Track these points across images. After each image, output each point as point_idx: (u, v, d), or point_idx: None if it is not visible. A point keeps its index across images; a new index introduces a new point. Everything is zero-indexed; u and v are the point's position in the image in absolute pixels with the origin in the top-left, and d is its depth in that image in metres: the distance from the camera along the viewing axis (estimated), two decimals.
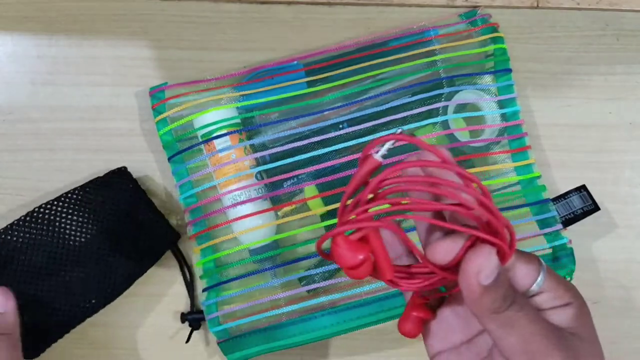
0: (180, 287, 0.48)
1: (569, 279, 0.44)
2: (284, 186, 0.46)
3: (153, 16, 0.50)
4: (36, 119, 0.49)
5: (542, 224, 0.46)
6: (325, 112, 0.47)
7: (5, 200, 0.49)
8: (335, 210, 0.45)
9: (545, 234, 0.45)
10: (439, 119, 0.46)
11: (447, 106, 0.46)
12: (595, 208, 0.45)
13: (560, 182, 0.49)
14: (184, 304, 0.49)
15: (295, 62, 0.48)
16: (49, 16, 0.50)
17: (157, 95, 0.47)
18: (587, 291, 0.48)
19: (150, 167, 0.49)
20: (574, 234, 0.46)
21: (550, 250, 0.45)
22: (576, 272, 0.44)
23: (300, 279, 0.46)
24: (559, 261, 0.45)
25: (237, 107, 0.47)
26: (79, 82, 0.50)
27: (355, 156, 0.45)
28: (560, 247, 0.45)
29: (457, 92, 0.46)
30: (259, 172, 0.46)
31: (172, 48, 0.50)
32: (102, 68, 0.50)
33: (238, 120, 0.47)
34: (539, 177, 0.46)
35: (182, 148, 0.47)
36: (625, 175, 0.50)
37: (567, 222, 0.45)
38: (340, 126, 0.46)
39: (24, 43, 0.50)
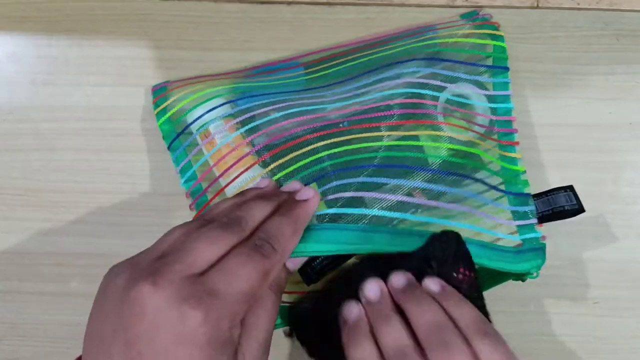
0: None
1: (534, 273, 0.42)
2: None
3: (153, 16, 0.50)
4: (36, 119, 0.49)
5: (517, 215, 0.44)
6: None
7: (5, 200, 0.49)
8: None
9: (518, 226, 0.44)
10: (432, 113, 0.45)
11: (440, 99, 0.45)
12: (580, 209, 0.43)
13: (560, 182, 0.49)
14: None
15: (295, 61, 0.48)
16: (49, 16, 0.50)
17: (158, 92, 0.47)
18: (587, 291, 0.49)
19: (150, 167, 0.49)
20: (573, 234, 0.45)
21: (520, 242, 0.44)
22: (576, 272, 0.44)
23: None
24: (525, 254, 0.43)
25: (233, 100, 0.46)
26: (79, 82, 0.50)
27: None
28: (530, 240, 0.44)
29: (451, 84, 0.46)
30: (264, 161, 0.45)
31: (172, 48, 0.50)
32: (102, 68, 0.50)
33: (234, 111, 0.46)
34: (523, 172, 0.46)
35: (178, 131, 0.46)
36: (625, 175, 0.50)
37: (545, 218, 0.43)
38: (340, 125, 0.46)
39: (24, 43, 0.50)
